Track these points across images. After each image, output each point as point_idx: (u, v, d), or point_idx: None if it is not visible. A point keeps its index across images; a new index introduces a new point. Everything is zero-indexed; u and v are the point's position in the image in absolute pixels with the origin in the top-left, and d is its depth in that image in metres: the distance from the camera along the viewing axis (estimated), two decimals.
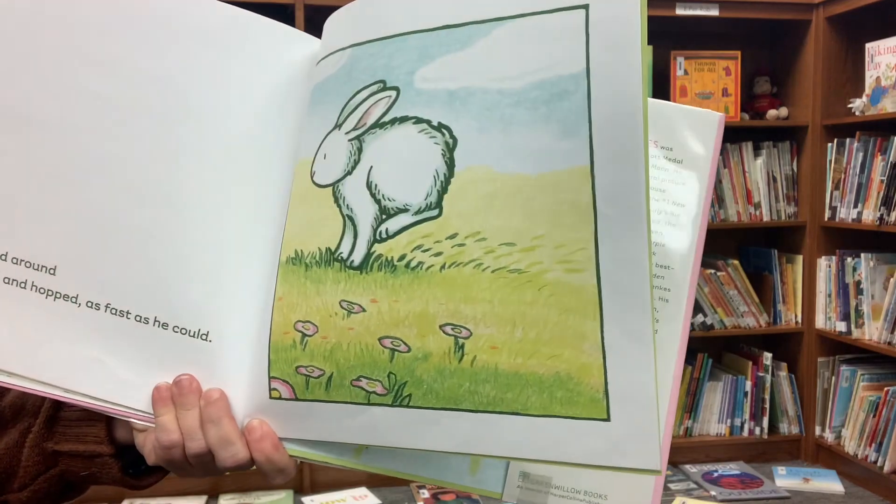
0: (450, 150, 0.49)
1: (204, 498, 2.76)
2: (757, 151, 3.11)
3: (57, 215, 0.56)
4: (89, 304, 0.57)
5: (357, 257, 0.51)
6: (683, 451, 3.07)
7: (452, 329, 0.48)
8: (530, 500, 0.58)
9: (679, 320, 0.57)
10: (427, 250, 0.49)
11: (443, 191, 0.49)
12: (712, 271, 3.03)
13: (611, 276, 0.45)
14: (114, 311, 0.56)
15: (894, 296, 2.75)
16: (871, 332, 2.84)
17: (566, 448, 0.46)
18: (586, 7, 0.45)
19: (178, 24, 0.57)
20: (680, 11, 2.88)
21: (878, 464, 2.77)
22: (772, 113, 3.09)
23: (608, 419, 0.45)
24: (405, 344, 0.50)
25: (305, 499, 2.75)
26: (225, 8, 0.58)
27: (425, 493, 2.78)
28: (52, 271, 0.56)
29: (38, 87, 0.56)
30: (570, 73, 0.45)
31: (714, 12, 2.90)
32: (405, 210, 0.50)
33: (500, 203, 0.47)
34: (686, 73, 3.01)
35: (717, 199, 3.06)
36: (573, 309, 0.46)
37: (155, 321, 0.56)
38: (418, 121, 0.50)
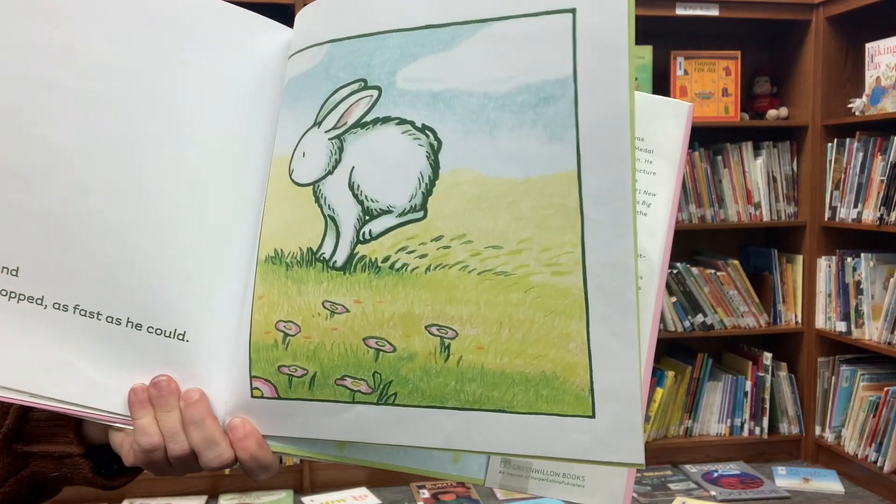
0: (434, 152, 0.49)
1: (204, 498, 2.76)
2: (757, 151, 3.11)
3: (16, 213, 0.54)
4: (56, 306, 0.54)
5: (340, 258, 0.51)
6: (683, 451, 3.07)
7: (438, 330, 0.49)
8: (512, 485, 0.58)
9: (651, 308, 0.58)
10: (412, 252, 0.49)
11: (427, 193, 0.49)
12: (712, 271, 3.03)
13: (597, 279, 0.46)
14: (83, 313, 0.55)
15: (894, 296, 2.74)
16: (871, 332, 2.84)
17: (552, 444, 0.47)
18: (573, 11, 0.45)
19: (140, 10, 0.55)
20: (680, 11, 2.88)
21: (878, 464, 2.77)
22: (772, 113, 3.08)
23: (593, 416, 0.46)
24: (390, 344, 0.50)
25: (305, 499, 2.75)
26: None
27: (425, 493, 2.78)
28: (14, 272, 0.54)
29: None
30: (557, 77, 0.45)
31: (714, 12, 2.90)
32: (389, 211, 0.50)
33: (486, 206, 0.47)
34: (686, 73, 3.01)
35: (718, 199, 3.06)
36: (560, 310, 0.46)
37: (128, 322, 0.55)
38: (401, 121, 0.49)
